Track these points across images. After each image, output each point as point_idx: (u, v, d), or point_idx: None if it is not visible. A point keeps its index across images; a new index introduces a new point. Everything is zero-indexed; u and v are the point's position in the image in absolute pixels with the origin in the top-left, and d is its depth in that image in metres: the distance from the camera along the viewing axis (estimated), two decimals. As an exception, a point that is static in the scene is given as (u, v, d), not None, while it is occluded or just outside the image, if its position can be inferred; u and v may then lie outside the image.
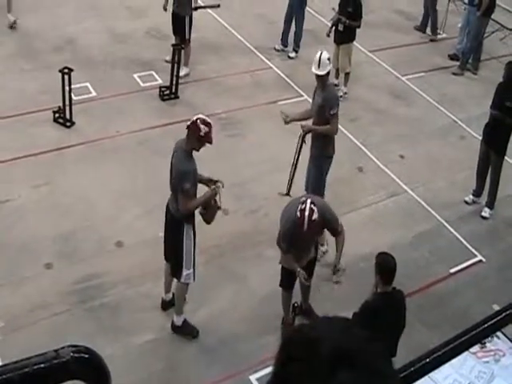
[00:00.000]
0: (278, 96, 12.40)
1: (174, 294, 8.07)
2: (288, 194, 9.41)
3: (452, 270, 9.38)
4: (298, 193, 8.87)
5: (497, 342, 6.58)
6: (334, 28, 12.42)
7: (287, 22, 13.68)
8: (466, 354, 6.10)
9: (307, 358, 1.21)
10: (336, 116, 8.66)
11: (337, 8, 12.55)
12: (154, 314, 8.11)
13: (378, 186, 10.70)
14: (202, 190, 7.55)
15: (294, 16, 13.55)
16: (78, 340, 1.55)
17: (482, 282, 9.24)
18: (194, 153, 7.35)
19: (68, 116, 10.78)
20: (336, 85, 12.71)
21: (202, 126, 7.20)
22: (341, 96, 12.47)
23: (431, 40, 15.52)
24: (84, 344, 1.52)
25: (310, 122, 8.96)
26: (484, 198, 10.55)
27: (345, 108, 12.01)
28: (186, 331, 7.91)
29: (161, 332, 7.91)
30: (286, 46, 13.90)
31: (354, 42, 12.66)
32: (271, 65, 13.41)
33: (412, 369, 1.95)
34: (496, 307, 7.28)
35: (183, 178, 7.17)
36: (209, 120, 7.37)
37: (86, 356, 1.47)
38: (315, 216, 6.92)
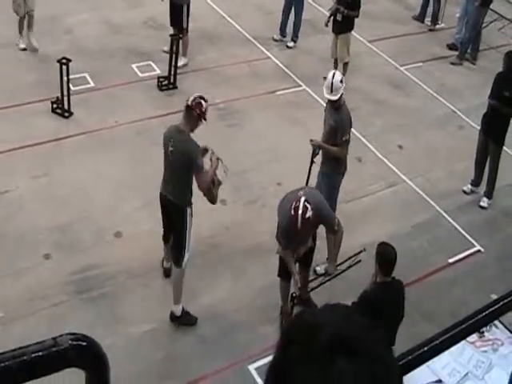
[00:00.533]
0: (277, 86, 12.38)
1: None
2: None
3: (450, 260, 9.39)
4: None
5: (495, 332, 6.60)
6: (332, 18, 12.38)
7: (285, 12, 13.65)
8: (464, 343, 6.13)
9: (307, 344, 1.22)
10: (347, 142, 8.49)
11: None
12: (153, 304, 8.12)
13: (377, 176, 10.70)
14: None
15: (292, 6, 13.52)
16: (77, 330, 1.55)
17: (480, 271, 9.25)
18: None
19: (66, 106, 10.77)
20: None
21: (203, 102, 7.45)
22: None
23: (430, 30, 15.49)
24: (83, 334, 1.52)
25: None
26: (482, 188, 10.55)
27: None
28: (185, 320, 7.97)
29: (160, 322, 7.91)
30: (284, 36, 13.87)
31: (353, 32, 12.63)
32: (269, 55, 13.39)
33: (410, 357, 1.95)
34: (494, 297, 7.29)
35: (195, 157, 7.32)
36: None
37: (84, 344, 1.47)
38: (309, 214, 6.92)
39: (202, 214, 9.31)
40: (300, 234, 7.19)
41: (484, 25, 14.60)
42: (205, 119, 7.50)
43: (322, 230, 7.78)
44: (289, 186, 8.81)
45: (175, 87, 11.81)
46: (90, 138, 10.47)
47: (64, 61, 10.43)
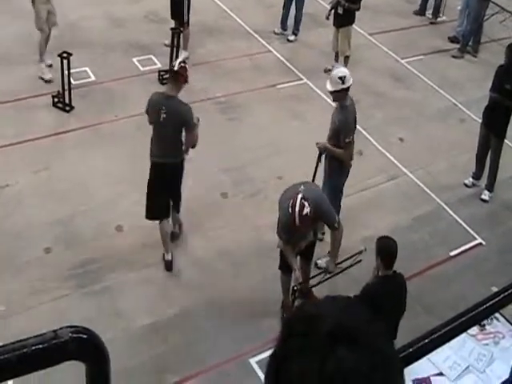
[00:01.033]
0: (278, 79, 12.37)
1: (174, 234, 8.75)
2: None
3: (452, 253, 9.39)
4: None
5: (496, 325, 6.60)
6: (333, 11, 12.36)
7: (287, 6, 13.63)
8: (465, 336, 6.13)
9: (308, 334, 1.22)
10: (350, 144, 8.38)
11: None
12: (154, 297, 8.13)
13: (378, 169, 10.69)
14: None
15: (293, -1, 13.50)
16: (78, 324, 1.55)
17: (481, 264, 9.25)
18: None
19: (67, 100, 10.76)
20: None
21: (186, 66, 7.93)
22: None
23: (431, 23, 15.47)
24: (84, 328, 1.52)
25: None
26: (484, 181, 10.55)
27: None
28: (181, 233, 8.81)
29: (161, 316, 7.92)
30: (285, 30, 13.85)
31: (354, 25, 12.61)
32: (271, 48, 13.37)
33: (411, 349, 1.95)
34: (495, 290, 7.31)
35: (190, 118, 7.83)
36: None
37: (85, 336, 1.47)
38: (306, 210, 6.91)
39: (203, 207, 9.35)
40: (299, 230, 7.21)
41: (485, 17, 14.57)
42: (187, 82, 7.99)
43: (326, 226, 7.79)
44: (290, 179, 8.80)
45: (176, 81, 11.79)
46: (90, 132, 10.47)
47: (65, 55, 10.42)
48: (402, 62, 13.68)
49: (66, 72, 10.48)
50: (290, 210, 6.97)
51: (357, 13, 12.34)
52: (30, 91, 11.03)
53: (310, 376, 1.18)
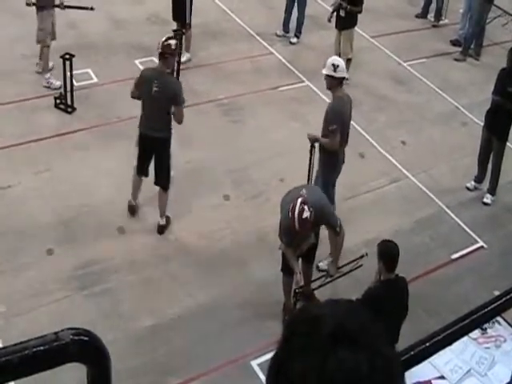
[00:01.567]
0: (280, 82, 12.37)
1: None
2: None
3: (453, 256, 9.38)
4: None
5: (498, 328, 6.60)
6: (335, 14, 12.37)
7: (289, 8, 13.63)
8: (466, 339, 6.13)
9: (309, 334, 1.23)
10: (335, 132, 8.41)
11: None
12: (155, 299, 8.13)
13: (380, 171, 10.68)
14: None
15: (295, 2, 13.50)
16: (79, 325, 1.55)
17: (483, 268, 9.23)
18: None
19: (69, 102, 10.77)
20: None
21: (170, 42, 8.40)
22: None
23: (433, 26, 15.45)
24: (86, 329, 1.52)
25: None
26: (486, 184, 10.53)
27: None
28: (169, 224, 9.00)
29: (162, 317, 7.92)
30: (287, 32, 13.85)
31: (356, 28, 12.60)
32: (273, 50, 13.37)
33: (413, 352, 1.95)
34: (497, 293, 7.31)
35: (180, 92, 8.31)
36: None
37: (86, 338, 1.47)
38: (306, 214, 6.93)
39: (204, 209, 9.35)
40: (300, 233, 7.21)
41: (488, 20, 14.55)
42: (177, 54, 8.65)
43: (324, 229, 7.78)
44: (291, 181, 8.82)
45: (178, 83, 11.80)
46: (92, 133, 10.47)
47: (67, 56, 10.44)
48: (404, 64, 13.68)
49: (68, 74, 10.49)
50: (289, 213, 6.99)
51: (359, 15, 12.34)
52: (32, 92, 11.05)
53: (310, 376, 1.19)
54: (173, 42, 8.44)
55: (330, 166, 8.77)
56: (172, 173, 8.80)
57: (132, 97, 8.64)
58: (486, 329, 6.50)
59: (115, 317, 7.85)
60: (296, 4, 13.51)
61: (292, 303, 7.80)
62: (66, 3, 11.22)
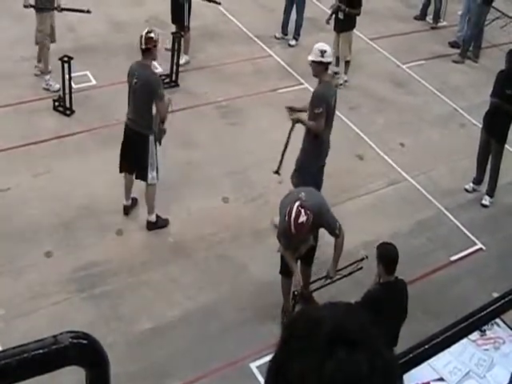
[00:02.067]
0: (279, 84, 12.38)
1: (133, 200, 9.23)
2: (277, 172, 9.31)
3: (452, 258, 9.38)
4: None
5: (497, 330, 6.61)
6: (334, 16, 12.38)
7: (287, 11, 13.64)
8: (465, 341, 6.13)
9: (308, 336, 1.23)
10: (320, 115, 8.45)
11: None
12: (154, 302, 8.12)
13: (379, 174, 10.69)
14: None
15: (294, 4, 13.51)
16: (79, 328, 1.55)
17: (482, 269, 9.24)
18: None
19: (68, 104, 10.76)
20: (336, 73, 12.69)
21: (152, 35, 8.43)
22: (341, 84, 12.48)
23: (432, 28, 15.47)
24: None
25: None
26: (484, 186, 10.54)
27: (345, 96, 12.00)
28: (159, 225, 9.04)
29: (161, 320, 7.92)
30: (286, 34, 13.86)
31: (354, 30, 12.62)
32: (271, 53, 13.38)
33: (411, 355, 1.95)
34: (496, 295, 7.31)
35: (159, 86, 8.48)
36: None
37: (85, 342, 1.47)
38: (302, 219, 6.89)
39: (203, 211, 9.35)
40: (296, 237, 7.19)
41: (486, 22, 14.58)
42: (156, 46, 8.54)
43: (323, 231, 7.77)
44: (290, 183, 8.83)
45: (177, 85, 11.79)
46: (91, 135, 10.48)
47: (66, 59, 10.43)
48: (403, 66, 13.69)
49: (66, 76, 10.49)
50: (285, 217, 6.97)
51: (357, 17, 12.35)
52: (31, 95, 11.05)
53: (309, 377, 1.19)
54: (153, 34, 8.50)
55: (315, 150, 8.79)
56: (154, 173, 8.71)
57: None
58: (484, 331, 6.51)
59: (114, 319, 7.84)
60: (295, 6, 13.52)
61: (291, 305, 7.80)
62: (62, 6, 11.20)
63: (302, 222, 6.90)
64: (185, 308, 8.09)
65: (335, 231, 7.39)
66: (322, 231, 7.81)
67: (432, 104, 12.72)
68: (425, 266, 9.11)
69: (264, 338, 7.42)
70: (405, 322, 6.81)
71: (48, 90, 11.18)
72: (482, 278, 9.01)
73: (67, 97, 10.69)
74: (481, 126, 10.60)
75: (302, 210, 6.90)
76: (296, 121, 8.79)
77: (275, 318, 7.94)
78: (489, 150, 10.34)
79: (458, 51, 14.42)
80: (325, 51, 8.45)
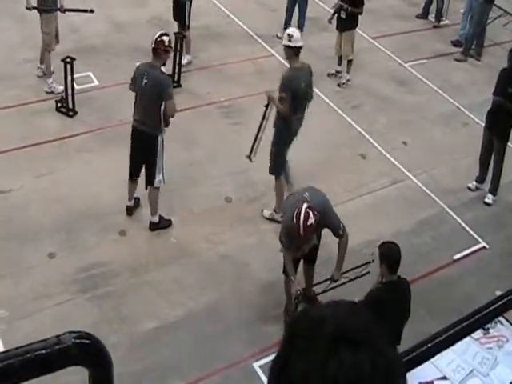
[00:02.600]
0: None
1: (135, 200, 9.24)
2: (249, 157, 9.38)
3: (455, 257, 9.38)
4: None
5: (500, 329, 6.59)
6: (336, 15, 12.38)
7: (289, 10, 13.63)
8: (469, 340, 6.12)
9: (311, 335, 1.23)
10: (284, 100, 8.69)
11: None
12: (157, 302, 8.12)
13: (381, 172, 10.68)
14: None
15: (296, 3, 13.50)
16: (82, 329, 1.55)
17: (485, 268, 9.23)
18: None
19: (70, 105, 10.77)
20: (339, 71, 12.70)
21: (164, 38, 8.53)
22: (343, 83, 12.50)
23: (434, 26, 15.46)
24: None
25: None
26: (487, 185, 10.53)
27: (348, 95, 12.02)
28: (162, 225, 9.06)
29: (164, 320, 7.92)
30: (288, 34, 13.84)
31: (357, 29, 12.61)
32: (274, 52, 13.37)
33: (415, 353, 1.95)
34: (499, 293, 7.30)
35: (169, 87, 8.55)
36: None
37: (88, 342, 1.47)
38: (311, 221, 6.85)
39: (205, 212, 9.35)
40: (303, 239, 7.16)
41: (488, 21, 14.55)
42: (170, 51, 8.89)
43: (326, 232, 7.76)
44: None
45: (179, 85, 11.78)
46: (94, 136, 10.48)
47: (68, 60, 10.44)
48: (405, 65, 13.68)
49: (69, 77, 10.50)
50: (294, 219, 6.89)
51: (359, 17, 12.35)
52: (34, 96, 11.06)
53: (312, 377, 1.19)
54: (166, 38, 8.55)
55: (281, 130, 9.09)
56: (160, 176, 8.72)
57: (130, 89, 8.80)
58: (488, 329, 6.50)
59: (117, 320, 7.85)
60: (297, 6, 13.51)
61: (293, 305, 7.78)
62: (65, 6, 11.20)
63: (311, 224, 6.87)
64: (187, 308, 8.09)
65: (339, 232, 7.36)
66: (325, 231, 7.81)
67: (434, 103, 12.71)
68: (428, 265, 9.11)
69: (267, 337, 7.43)
70: (408, 320, 6.81)
71: (52, 92, 11.16)
72: (485, 276, 9.00)
73: (70, 98, 10.69)
74: (483, 124, 10.60)
75: (311, 212, 6.85)
76: (270, 98, 9.04)
77: (278, 318, 7.92)
78: (491, 149, 10.33)
79: (461, 50, 14.41)
80: (292, 35, 8.73)
